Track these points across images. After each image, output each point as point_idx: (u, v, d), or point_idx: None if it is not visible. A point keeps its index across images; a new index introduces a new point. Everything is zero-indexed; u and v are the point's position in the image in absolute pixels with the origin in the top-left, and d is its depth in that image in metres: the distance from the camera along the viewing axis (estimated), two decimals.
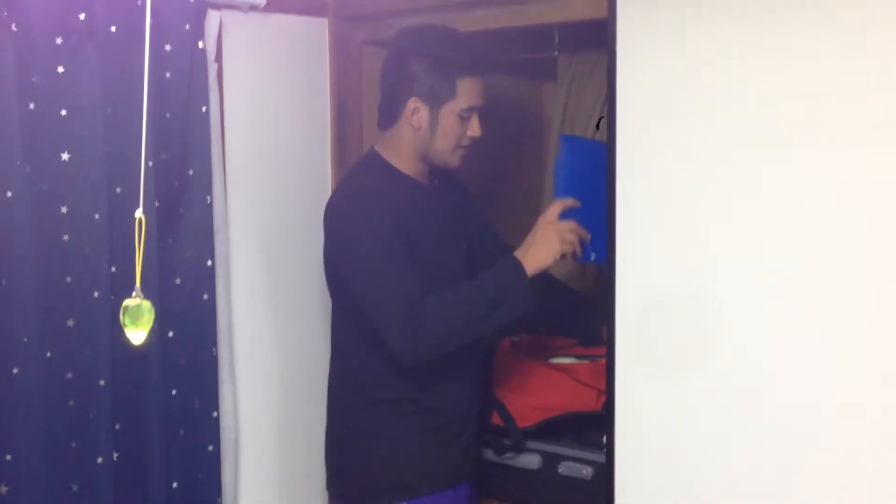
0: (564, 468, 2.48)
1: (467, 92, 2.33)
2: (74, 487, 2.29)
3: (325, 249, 2.43)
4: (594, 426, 2.52)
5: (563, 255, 2.31)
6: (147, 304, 1.25)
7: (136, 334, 1.25)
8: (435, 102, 2.33)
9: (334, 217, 2.37)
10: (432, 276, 2.32)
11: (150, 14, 1.39)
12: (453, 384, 2.43)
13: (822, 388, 1.88)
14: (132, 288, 2.28)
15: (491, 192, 3.10)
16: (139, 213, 1.24)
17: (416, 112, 2.34)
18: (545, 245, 2.27)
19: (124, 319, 1.25)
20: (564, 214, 2.32)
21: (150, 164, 2.31)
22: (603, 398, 2.57)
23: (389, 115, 2.40)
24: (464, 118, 2.34)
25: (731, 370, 1.99)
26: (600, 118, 3.10)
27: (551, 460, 2.51)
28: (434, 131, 2.34)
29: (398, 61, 2.37)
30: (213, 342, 2.50)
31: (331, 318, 2.53)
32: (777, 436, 1.94)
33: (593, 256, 2.38)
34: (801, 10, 1.84)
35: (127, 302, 1.24)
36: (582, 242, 2.34)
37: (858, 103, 1.79)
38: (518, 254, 2.28)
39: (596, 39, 2.23)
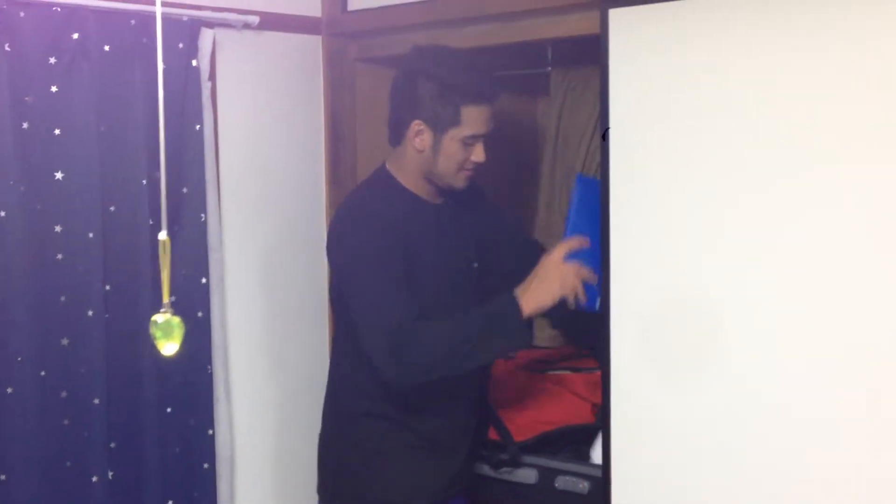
0: (561, 483, 2.48)
1: (472, 120, 2.29)
2: None
3: (328, 260, 2.43)
4: (591, 439, 2.52)
5: (565, 300, 2.24)
6: (176, 319, 1.31)
7: (169, 346, 1.31)
8: (438, 127, 2.29)
9: (337, 233, 2.36)
10: (435, 296, 2.31)
11: (160, 32, 1.40)
12: (445, 409, 2.42)
13: (819, 399, 1.89)
14: (126, 306, 2.31)
15: None
16: (163, 236, 1.29)
17: (419, 134, 2.30)
18: (545, 285, 2.22)
19: (155, 332, 1.30)
20: (573, 256, 2.26)
21: (144, 182, 2.32)
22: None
23: (396, 134, 2.37)
24: (467, 144, 2.31)
25: (728, 382, 2.00)
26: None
27: (548, 475, 2.50)
28: (436, 155, 2.31)
29: (406, 81, 2.33)
30: (208, 360, 2.50)
31: (332, 330, 2.52)
32: (776, 448, 1.94)
33: (598, 305, 2.27)
34: (791, 22, 1.86)
35: (156, 317, 1.29)
36: (588, 288, 2.26)
37: (848, 109, 1.81)
38: (518, 290, 2.23)
39: (589, 54, 2.24)
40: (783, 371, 1.92)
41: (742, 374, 1.97)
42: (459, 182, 2.36)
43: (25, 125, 2.15)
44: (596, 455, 2.46)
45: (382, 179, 2.40)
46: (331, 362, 2.53)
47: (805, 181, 1.87)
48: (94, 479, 2.30)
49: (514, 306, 2.20)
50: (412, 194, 2.38)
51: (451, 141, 2.29)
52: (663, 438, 2.11)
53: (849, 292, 1.84)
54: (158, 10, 1.40)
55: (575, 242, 2.28)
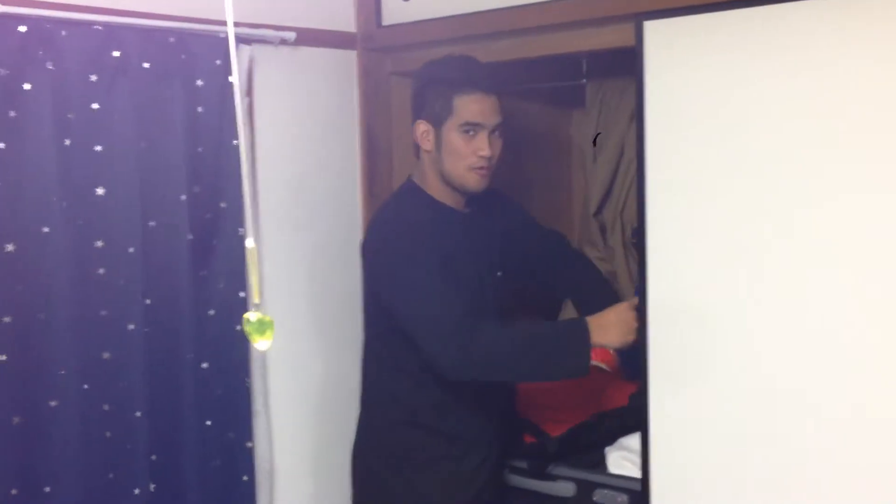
0: (599, 496, 2.47)
1: (464, 108, 2.32)
2: None
3: (365, 275, 2.46)
4: (626, 423, 2.53)
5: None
6: (268, 317, 1.38)
7: (262, 342, 1.39)
8: (437, 121, 2.35)
9: (375, 244, 2.39)
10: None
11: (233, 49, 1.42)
12: (478, 416, 2.45)
13: (854, 400, 1.88)
14: (166, 320, 2.34)
15: None
16: (250, 244, 1.35)
17: (424, 134, 2.37)
18: (622, 330, 2.21)
19: (249, 329, 1.37)
20: None
21: (183, 197, 2.34)
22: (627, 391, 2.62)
23: (415, 144, 2.43)
24: (466, 133, 2.32)
25: (771, 392, 1.99)
26: (597, 134, 3.13)
27: (586, 488, 2.49)
28: (441, 151, 2.35)
29: (413, 90, 2.44)
30: (247, 373, 2.52)
31: (363, 342, 2.53)
32: (820, 453, 1.94)
33: None
34: (830, 33, 1.86)
35: (248, 315, 1.37)
36: None
37: (879, 120, 1.80)
38: (592, 321, 2.23)
39: (623, 67, 2.25)
40: (828, 377, 1.91)
41: (786, 381, 1.97)
42: (472, 182, 2.37)
43: (67, 142, 2.18)
44: (613, 464, 2.46)
45: (410, 191, 2.45)
46: (363, 373, 2.54)
47: (840, 190, 1.87)
48: (136, 491, 2.32)
49: (586, 335, 2.20)
50: (439, 203, 2.41)
51: (450, 133, 2.33)
52: (703, 451, 2.10)
53: (881, 297, 1.84)
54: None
55: None
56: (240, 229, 2.47)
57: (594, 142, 3.18)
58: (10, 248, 2.11)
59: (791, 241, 1.93)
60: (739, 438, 2.04)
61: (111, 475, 2.29)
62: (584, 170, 3.29)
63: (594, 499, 2.47)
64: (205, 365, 2.43)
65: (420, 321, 2.26)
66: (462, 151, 2.33)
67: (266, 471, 2.61)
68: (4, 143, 2.09)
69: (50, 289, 2.17)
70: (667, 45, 2.07)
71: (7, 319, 2.12)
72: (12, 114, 2.10)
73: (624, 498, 2.42)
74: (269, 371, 2.64)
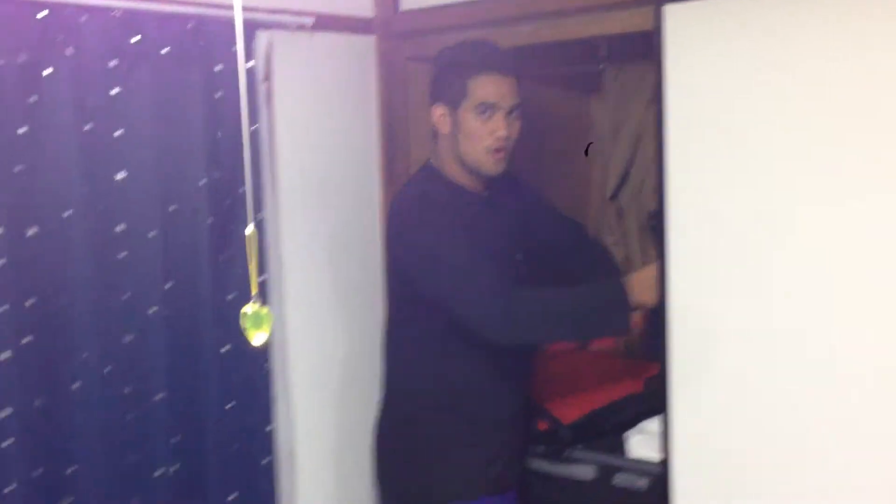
0: (619, 479, 2.47)
1: (479, 88, 2.31)
2: (134, 500, 2.33)
3: (389, 255, 2.46)
4: (639, 411, 2.53)
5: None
6: (265, 309, 1.35)
7: (258, 336, 1.36)
8: (453, 104, 2.34)
9: (403, 222, 2.38)
10: None
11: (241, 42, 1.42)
12: (497, 397, 2.45)
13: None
14: (188, 303, 2.36)
15: None
16: (249, 230, 1.35)
17: (441, 118, 2.37)
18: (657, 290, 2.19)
19: (245, 323, 1.34)
20: None
21: (203, 181, 2.36)
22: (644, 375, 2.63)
23: (433, 129, 2.44)
24: (482, 114, 2.31)
25: (796, 369, 1.99)
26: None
27: (606, 471, 2.49)
28: (458, 134, 2.35)
29: (431, 76, 2.43)
30: (267, 357, 2.54)
31: (385, 325, 2.54)
32: (850, 436, 1.93)
33: None
34: (855, 16, 1.84)
35: (245, 308, 1.34)
36: None
37: None
38: (629, 279, 2.22)
39: (642, 51, 2.24)
40: (848, 365, 1.91)
41: (808, 366, 1.96)
42: (490, 164, 2.36)
43: (87, 127, 2.19)
44: (634, 448, 2.46)
45: (428, 173, 2.45)
46: (384, 357, 2.55)
47: (870, 182, 1.85)
48: (158, 473, 2.34)
49: (623, 289, 2.19)
50: (457, 185, 2.41)
51: (466, 114, 2.33)
52: (725, 434, 2.10)
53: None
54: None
55: None
56: (259, 213, 2.49)
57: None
58: (31, 232, 2.13)
59: (815, 230, 1.91)
60: (761, 422, 2.04)
61: (133, 457, 2.32)
62: (601, 155, 3.29)
63: (614, 482, 2.47)
64: (225, 348, 2.45)
65: (456, 289, 2.25)
66: (478, 133, 2.32)
67: (287, 454, 2.62)
68: (25, 128, 2.10)
69: (71, 273, 2.19)
70: (687, 29, 2.06)
71: (29, 303, 2.14)
72: (33, 99, 2.11)
73: (644, 481, 2.42)
74: (290, 354, 2.66)
